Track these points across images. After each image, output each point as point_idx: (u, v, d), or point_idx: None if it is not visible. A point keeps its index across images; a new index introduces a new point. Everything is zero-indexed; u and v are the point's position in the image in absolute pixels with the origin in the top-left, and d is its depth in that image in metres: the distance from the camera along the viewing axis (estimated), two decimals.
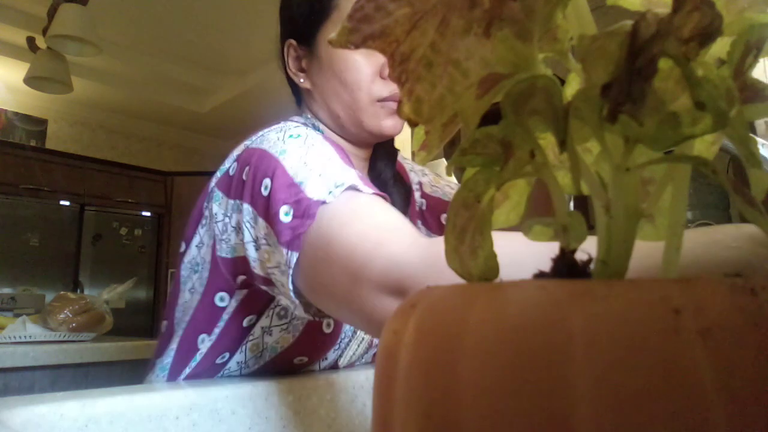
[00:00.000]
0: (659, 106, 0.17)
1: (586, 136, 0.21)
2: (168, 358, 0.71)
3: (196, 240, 0.71)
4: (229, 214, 0.63)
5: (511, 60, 0.20)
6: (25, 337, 1.52)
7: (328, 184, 0.53)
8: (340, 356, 0.75)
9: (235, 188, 0.63)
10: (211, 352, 0.69)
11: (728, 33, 0.20)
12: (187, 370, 0.70)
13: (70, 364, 1.49)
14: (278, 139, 0.61)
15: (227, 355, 0.69)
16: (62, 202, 4.13)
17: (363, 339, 0.77)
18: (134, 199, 4.47)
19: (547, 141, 0.23)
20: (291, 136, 0.61)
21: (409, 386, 0.18)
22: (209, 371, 0.70)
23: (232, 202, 0.63)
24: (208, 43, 3.78)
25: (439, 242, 0.39)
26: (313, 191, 0.53)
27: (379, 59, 0.68)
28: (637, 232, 0.20)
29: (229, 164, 0.67)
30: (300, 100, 0.79)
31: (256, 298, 0.66)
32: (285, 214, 0.53)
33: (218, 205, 0.65)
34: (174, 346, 0.71)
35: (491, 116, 0.21)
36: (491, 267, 0.22)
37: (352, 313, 0.51)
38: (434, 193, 0.89)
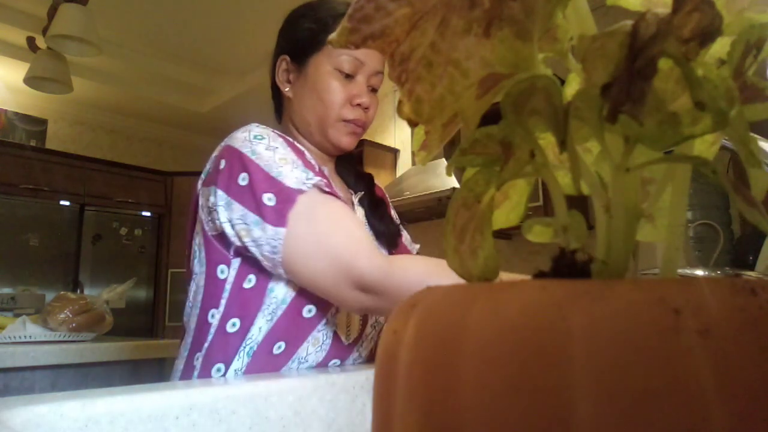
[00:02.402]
0: (659, 106, 0.17)
1: (586, 136, 0.21)
2: (189, 338, 0.80)
3: (196, 239, 0.83)
4: (206, 198, 0.77)
5: (511, 60, 0.20)
6: (25, 337, 1.52)
7: (300, 177, 0.73)
8: (337, 320, 0.81)
9: (210, 177, 0.78)
10: (221, 323, 0.77)
11: (728, 33, 0.20)
12: (206, 344, 0.77)
13: (70, 364, 1.49)
14: (245, 139, 0.77)
15: (237, 322, 0.77)
16: (62, 202, 4.13)
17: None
18: (134, 199, 4.46)
19: (547, 141, 0.23)
20: (256, 136, 0.77)
21: (409, 386, 0.18)
22: (227, 343, 0.76)
23: (206, 189, 0.78)
24: (208, 43, 3.78)
25: (393, 261, 0.72)
26: (290, 182, 0.72)
27: (352, 89, 0.86)
28: (637, 232, 0.20)
29: (209, 165, 0.81)
30: (279, 109, 0.95)
31: (250, 263, 0.77)
32: (269, 200, 0.71)
33: (202, 196, 0.80)
34: (192, 326, 0.80)
35: (491, 116, 0.21)
36: (491, 267, 0.22)
37: (328, 295, 0.73)
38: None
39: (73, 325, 1.60)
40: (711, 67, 0.18)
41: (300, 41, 0.88)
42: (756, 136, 0.20)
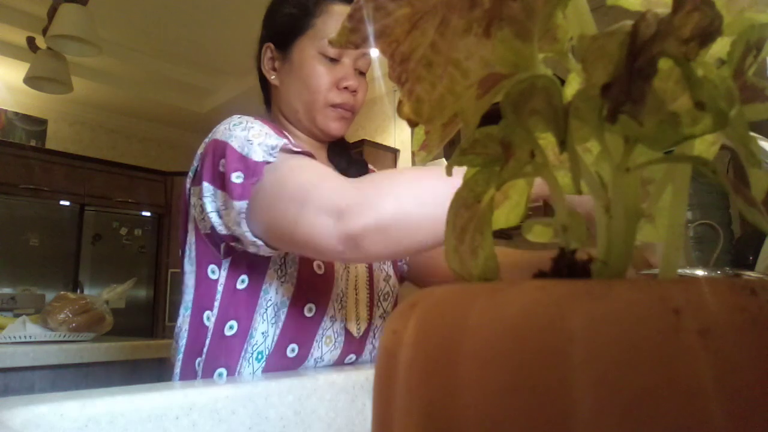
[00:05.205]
0: (659, 106, 0.17)
1: (586, 136, 0.21)
2: (182, 340, 0.79)
3: (187, 238, 0.82)
4: (198, 196, 0.77)
5: (511, 60, 0.20)
6: (25, 337, 1.52)
7: (265, 148, 0.70)
8: (345, 315, 0.82)
9: (197, 176, 0.78)
10: (218, 326, 0.76)
11: (728, 33, 0.20)
12: (204, 349, 0.76)
13: (70, 364, 1.49)
14: (225, 128, 0.76)
15: (235, 324, 0.76)
16: (62, 202, 4.13)
17: (358, 300, 0.85)
18: (134, 199, 4.47)
19: (547, 141, 0.23)
20: (235, 124, 0.76)
21: (409, 386, 0.18)
22: (227, 347, 0.75)
23: (196, 188, 0.78)
24: (209, 43, 3.78)
25: (367, 182, 0.63)
26: (256, 156, 0.69)
27: (338, 73, 0.84)
28: (637, 232, 0.20)
29: (196, 163, 0.80)
30: (268, 98, 0.95)
31: (241, 261, 0.77)
32: (237, 177, 0.69)
33: (192, 195, 0.80)
34: (186, 327, 0.79)
35: (491, 116, 0.21)
36: (491, 267, 0.22)
37: (298, 236, 0.64)
38: None
39: (73, 325, 1.60)
40: (711, 67, 0.18)
41: (282, 27, 0.87)
42: (756, 136, 0.20)
